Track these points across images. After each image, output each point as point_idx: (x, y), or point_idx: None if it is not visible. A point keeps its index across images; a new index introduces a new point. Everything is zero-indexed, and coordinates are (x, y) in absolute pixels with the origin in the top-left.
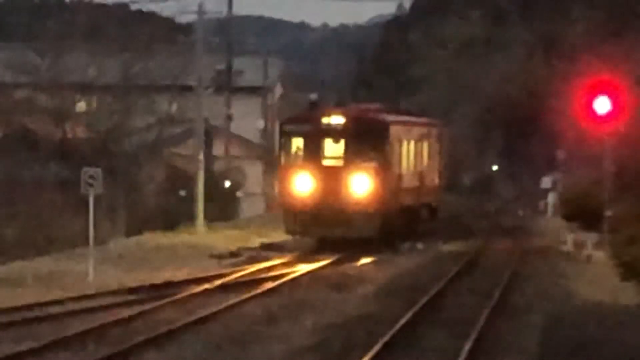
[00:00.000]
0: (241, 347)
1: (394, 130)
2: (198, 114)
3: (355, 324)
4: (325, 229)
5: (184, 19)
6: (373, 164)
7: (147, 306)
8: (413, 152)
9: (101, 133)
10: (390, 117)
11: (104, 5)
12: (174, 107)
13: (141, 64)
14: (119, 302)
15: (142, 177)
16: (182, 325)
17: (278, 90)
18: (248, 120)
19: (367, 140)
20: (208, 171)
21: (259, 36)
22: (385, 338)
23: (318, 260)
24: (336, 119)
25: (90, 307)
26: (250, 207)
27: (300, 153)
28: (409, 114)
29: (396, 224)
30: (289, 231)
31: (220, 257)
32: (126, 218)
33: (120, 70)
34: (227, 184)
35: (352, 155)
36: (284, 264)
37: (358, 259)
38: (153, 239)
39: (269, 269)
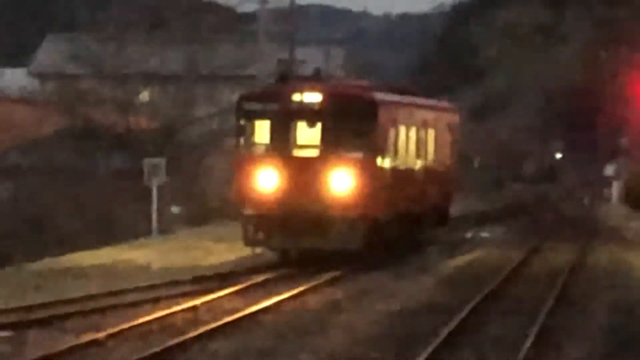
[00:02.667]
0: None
1: (385, 111)
2: None
3: (421, 312)
4: (295, 239)
5: (246, 8)
6: (358, 155)
7: (210, 296)
8: (415, 142)
9: (164, 123)
10: (381, 96)
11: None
12: (236, 96)
13: (204, 53)
14: (182, 291)
15: (204, 167)
16: (247, 315)
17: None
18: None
19: (350, 124)
20: None
21: (321, 25)
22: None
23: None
24: (311, 97)
25: (154, 297)
26: None
27: (264, 140)
28: (413, 94)
29: (389, 233)
30: (248, 242)
31: None
32: (189, 208)
33: (183, 60)
34: None
35: (331, 144)
36: None
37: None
38: (215, 229)
39: None
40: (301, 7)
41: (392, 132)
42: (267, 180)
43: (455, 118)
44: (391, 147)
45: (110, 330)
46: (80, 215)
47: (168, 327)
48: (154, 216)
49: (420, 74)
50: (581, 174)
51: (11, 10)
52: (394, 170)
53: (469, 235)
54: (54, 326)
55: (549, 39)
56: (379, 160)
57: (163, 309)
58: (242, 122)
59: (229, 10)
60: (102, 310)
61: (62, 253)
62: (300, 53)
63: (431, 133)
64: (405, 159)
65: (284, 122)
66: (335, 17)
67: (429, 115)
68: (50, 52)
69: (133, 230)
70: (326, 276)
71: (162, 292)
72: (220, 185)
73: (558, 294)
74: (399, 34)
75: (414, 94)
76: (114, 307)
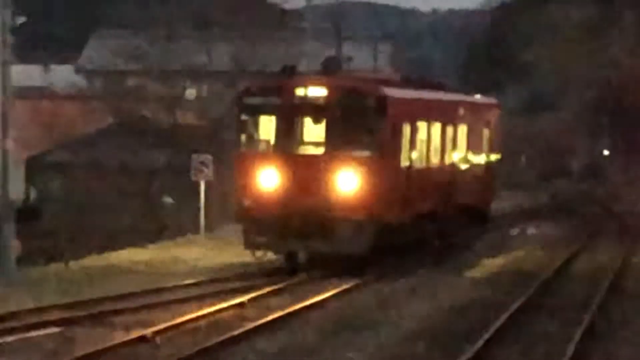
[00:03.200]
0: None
1: (396, 107)
2: None
3: (467, 309)
4: (298, 242)
5: (293, 5)
6: (365, 154)
7: (257, 292)
8: (440, 139)
9: (211, 119)
10: (392, 91)
11: None
12: None
13: (250, 50)
14: (229, 288)
15: None
16: (293, 312)
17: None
18: None
19: (357, 121)
20: None
21: (369, 22)
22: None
23: None
24: (316, 91)
25: (201, 294)
26: None
27: (265, 136)
28: (442, 89)
29: (405, 236)
30: (248, 245)
31: None
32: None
33: (229, 57)
34: None
35: (337, 141)
36: None
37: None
38: None
39: None
40: (349, 4)
41: (406, 129)
42: (268, 180)
43: (495, 114)
44: (405, 145)
45: (158, 327)
46: (127, 211)
47: (215, 324)
48: (202, 212)
49: (467, 70)
50: (629, 171)
51: (59, 7)
52: (410, 169)
53: (516, 231)
54: (102, 323)
55: (598, 35)
56: (389, 159)
57: (210, 305)
58: (242, 117)
59: (276, 7)
60: (150, 307)
61: (110, 250)
62: (348, 49)
63: (462, 130)
64: (425, 157)
65: (287, 118)
66: (382, 14)
67: (460, 112)
68: (98, 49)
69: (180, 226)
70: (372, 274)
71: (209, 289)
72: None
73: (606, 291)
74: (447, 30)
75: (443, 89)
76: (162, 303)
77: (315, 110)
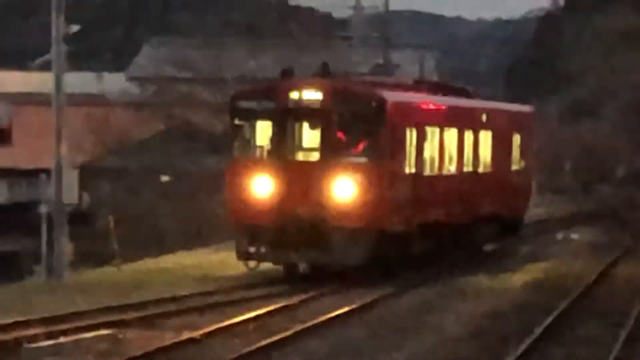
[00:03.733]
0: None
1: (397, 111)
2: None
3: (510, 312)
4: (292, 252)
5: (341, 14)
6: (362, 160)
7: (307, 295)
8: (458, 146)
9: None
10: (393, 94)
11: (263, 2)
12: None
13: (299, 58)
14: (278, 291)
15: None
16: (342, 314)
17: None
18: None
19: (354, 126)
20: None
21: (415, 30)
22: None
23: None
24: (311, 94)
25: (250, 296)
26: None
27: (259, 142)
28: (460, 93)
29: (410, 246)
30: (240, 255)
31: None
32: None
33: (277, 64)
34: None
35: (333, 147)
36: None
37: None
38: None
39: None
40: (396, 13)
41: (411, 135)
42: (260, 188)
43: (527, 121)
44: (411, 151)
45: (207, 329)
46: (179, 217)
47: (263, 326)
48: None
49: (511, 78)
50: None
51: (112, 16)
52: (417, 176)
53: (559, 236)
54: (153, 325)
55: None
56: (388, 166)
57: (258, 308)
58: (235, 122)
59: (324, 16)
60: (199, 309)
61: (161, 253)
62: (395, 57)
63: (487, 137)
64: (438, 164)
65: (281, 122)
66: (428, 23)
67: (483, 118)
68: (150, 57)
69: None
70: (418, 277)
71: (259, 292)
72: None
73: None
74: (492, 38)
75: (466, 95)
76: (211, 306)
77: (310, 114)
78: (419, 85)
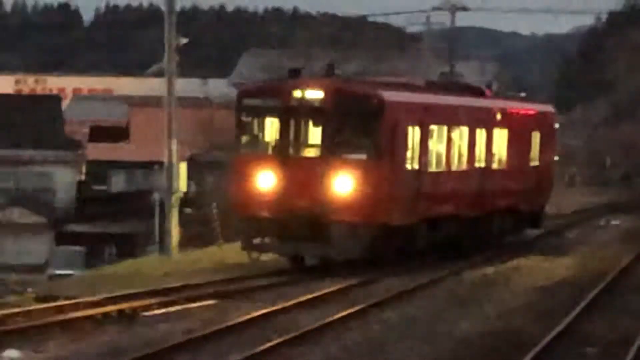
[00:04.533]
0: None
1: (397, 110)
2: None
3: (560, 287)
4: (294, 245)
5: (414, 29)
6: (361, 157)
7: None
8: (468, 143)
9: None
10: (393, 94)
11: (345, 18)
12: None
13: (377, 68)
14: (355, 270)
15: None
16: (413, 288)
17: (493, 89)
18: None
19: (354, 124)
20: None
21: (477, 44)
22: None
23: None
24: (313, 93)
25: (336, 273)
26: None
27: (263, 138)
28: (476, 93)
29: (414, 239)
30: (245, 247)
31: None
32: None
33: (357, 73)
34: None
35: (333, 144)
36: None
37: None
38: None
39: None
40: (460, 28)
41: (413, 133)
42: (264, 182)
43: (548, 120)
44: (413, 148)
45: (296, 300)
46: None
47: (344, 299)
48: None
49: (560, 85)
50: None
51: (216, 27)
52: (420, 173)
53: (602, 222)
54: (251, 297)
55: None
56: (388, 162)
57: (341, 282)
58: (241, 118)
59: (398, 31)
60: (290, 283)
61: None
62: (459, 67)
63: (501, 135)
64: (445, 161)
65: (284, 120)
66: (489, 37)
67: (497, 117)
68: (248, 65)
69: None
70: (480, 256)
71: (343, 270)
72: None
73: None
74: (544, 51)
75: (482, 95)
76: (300, 280)
77: (312, 112)
78: (431, 86)
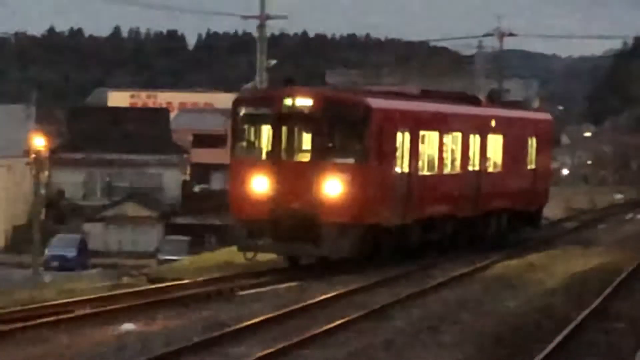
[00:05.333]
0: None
1: (384, 117)
2: None
3: (593, 272)
4: (286, 244)
5: (467, 52)
6: (349, 161)
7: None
8: (461, 148)
9: None
10: (379, 101)
11: (409, 43)
12: None
13: (436, 85)
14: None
15: None
16: (466, 273)
17: (535, 104)
18: None
19: (341, 130)
20: None
21: (522, 64)
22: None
23: None
24: (303, 101)
25: (401, 259)
26: None
27: (256, 144)
28: (471, 102)
29: (405, 238)
30: (241, 247)
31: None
32: None
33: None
34: None
35: (322, 149)
36: None
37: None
38: None
39: None
40: (507, 51)
41: (403, 138)
42: (258, 186)
43: (545, 127)
44: (403, 153)
45: (369, 282)
46: None
47: (410, 281)
48: None
49: (592, 100)
50: None
51: (300, 50)
52: (411, 176)
53: (629, 216)
54: (328, 280)
55: None
56: (375, 166)
57: (406, 266)
58: (235, 125)
59: (455, 54)
60: (357, 270)
61: None
62: (506, 84)
63: (496, 140)
64: (438, 164)
65: (276, 126)
66: (532, 59)
67: (492, 124)
68: (331, 83)
69: None
70: (523, 245)
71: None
72: None
73: None
74: (578, 70)
75: (477, 104)
76: (368, 265)
77: (303, 119)
78: (426, 94)
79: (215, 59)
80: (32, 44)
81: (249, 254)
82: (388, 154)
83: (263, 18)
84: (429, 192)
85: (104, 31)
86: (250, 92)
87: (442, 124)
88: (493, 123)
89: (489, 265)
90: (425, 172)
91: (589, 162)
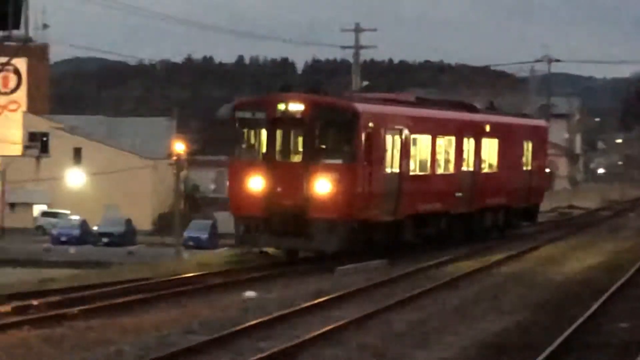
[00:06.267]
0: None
1: (372, 120)
2: None
3: (623, 251)
4: (279, 239)
5: (523, 74)
6: (337, 162)
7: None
8: (455, 150)
9: None
10: (367, 106)
11: (474, 67)
12: None
13: (498, 101)
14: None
15: None
16: (519, 253)
17: (576, 116)
18: (557, 133)
19: (330, 133)
20: None
21: (566, 84)
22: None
23: None
24: (295, 106)
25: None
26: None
27: (253, 146)
28: (468, 109)
29: (395, 234)
30: (238, 242)
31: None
32: None
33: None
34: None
35: (312, 151)
36: None
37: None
38: None
39: None
40: (555, 74)
41: (393, 141)
42: (254, 185)
43: (540, 133)
44: (393, 154)
45: (437, 260)
46: None
47: (475, 258)
48: None
49: (624, 114)
50: None
51: (387, 73)
52: (402, 175)
53: None
54: (416, 257)
55: None
56: (363, 166)
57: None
58: (234, 129)
59: (512, 76)
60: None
61: None
62: (553, 100)
63: (492, 144)
64: (430, 165)
65: (271, 130)
66: (574, 79)
67: (487, 129)
68: None
69: None
70: (562, 232)
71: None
72: None
73: None
74: (612, 89)
75: (474, 111)
76: (432, 249)
77: (295, 123)
78: (421, 101)
79: (318, 81)
80: (174, 69)
81: (246, 248)
82: (376, 155)
83: (357, 48)
84: (421, 190)
85: (231, 58)
86: (247, 99)
87: (434, 128)
88: (488, 128)
89: (539, 247)
90: (418, 172)
91: (620, 162)
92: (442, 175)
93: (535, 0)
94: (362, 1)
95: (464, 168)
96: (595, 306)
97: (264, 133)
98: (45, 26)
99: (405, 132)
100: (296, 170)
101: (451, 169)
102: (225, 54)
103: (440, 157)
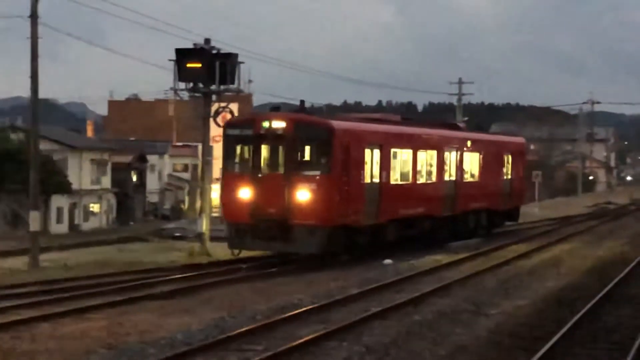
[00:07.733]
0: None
1: (348, 136)
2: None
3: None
4: (265, 243)
5: (573, 112)
6: (315, 173)
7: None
8: (437, 162)
9: None
10: (343, 123)
11: (540, 107)
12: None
13: (553, 132)
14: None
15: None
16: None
17: (611, 141)
18: (598, 152)
19: (310, 147)
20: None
21: (604, 118)
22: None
23: None
24: (277, 124)
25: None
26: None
27: (241, 160)
28: (450, 127)
29: (376, 237)
30: (230, 245)
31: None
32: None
33: (542, 139)
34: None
35: (293, 163)
36: None
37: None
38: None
39: None
40: (595, 112)
41: (372, 154)
42: (243, 195)
43: (518, 147)
44: (372, 166)
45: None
46: None
47: (532, 241)
48: None
49: None
50: None
51: (478, 112)
52: (382, 185)
53: None
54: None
55: None
56: (340, 177)
57: (518, 236)
58: (225, 145)
59: (566, 113)
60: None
61: None
62: (596, 130)
63: (473, 157)
64: (411, 175)
65: (256, 145)
66: (610, 115)
67: (468, 144)
68: (494, 130)
69: None
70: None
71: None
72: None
73: None
74: (637, 121)
75: (457, 129)
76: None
77: (277, 139)
78: (405, 121)
79: (434, 119)
80: (334, 110)
81: (235, 251)
82: (353, 166)
83: (460, 95)
84: (402, 197)
85: (373, 102)
86: (236, 118)
87: (415, 143)
88: (469, 143)
89: (585, 230)
90: (400, 182)
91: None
92: (424, 184)
93: (584, 60)
94: (462, 59)
95: (446, 177)
96: (626, 270)
97: (250, 148)
98: (250, 81)
99: (386, 146)
100: (279, 181)
101: (433, 178)
102: (369, 99)
103: (422, 168)
